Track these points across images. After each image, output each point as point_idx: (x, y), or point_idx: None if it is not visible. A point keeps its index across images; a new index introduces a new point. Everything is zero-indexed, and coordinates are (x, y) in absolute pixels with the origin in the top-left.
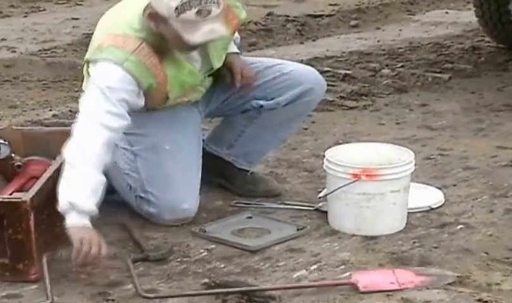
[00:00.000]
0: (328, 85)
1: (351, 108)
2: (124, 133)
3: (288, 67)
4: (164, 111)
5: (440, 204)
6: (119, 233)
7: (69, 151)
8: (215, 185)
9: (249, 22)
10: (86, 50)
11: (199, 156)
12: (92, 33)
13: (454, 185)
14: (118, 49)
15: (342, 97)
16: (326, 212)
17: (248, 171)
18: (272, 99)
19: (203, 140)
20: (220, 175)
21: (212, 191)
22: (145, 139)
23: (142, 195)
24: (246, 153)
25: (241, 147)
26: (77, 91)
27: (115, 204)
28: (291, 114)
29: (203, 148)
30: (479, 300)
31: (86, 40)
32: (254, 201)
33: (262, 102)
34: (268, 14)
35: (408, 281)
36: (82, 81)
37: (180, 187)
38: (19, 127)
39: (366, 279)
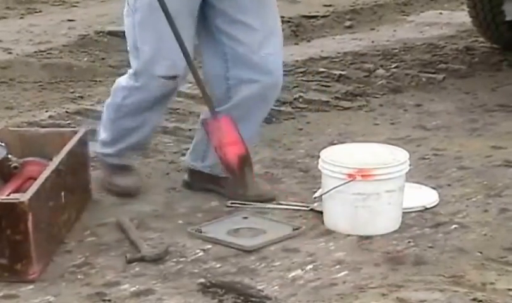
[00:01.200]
0: (322, 86)
1: (346, 108)
2: None
3: (270, 48)
4: None
5: (434, 204)
6: (116, 233)
7: None
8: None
9: None
10: (82, 52)
11: (194, 22)
12: (88, 35)
13: (449, 185)
14: None
15: (337, 98)
16: (321, 212)
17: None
18: (232, 66)
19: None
20: (209, 182)
21: (207, 192)
22: None
23: (133, 51)
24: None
25: (212, 156)
26: (73, 92)
27: (111, 204)
28: (244, 112)
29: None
30: (474, 299)
31: (82, 41)
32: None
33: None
34: None
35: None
36: (78, 82)
37: (172, 44)
38: (15, 128)
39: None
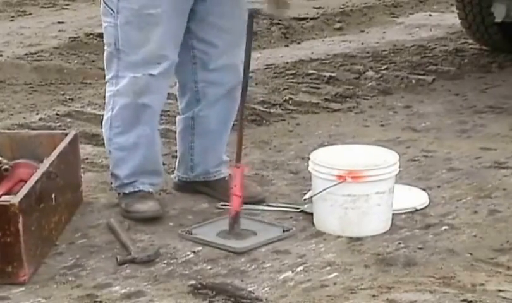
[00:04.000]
0: (312, 87)
1: (336, 110)
2: None
3: (238, 49)
4: None
5: (424, 206)
6: (106, 235)
7: None
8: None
9: None
10: (73, 54)
11: (183, 23)
12: (78, 37)
13: (439, 186)
14: None
15: (326, 99)
16: (311, 214)
17: (224, 177)
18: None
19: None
20: (201, 185)
21: (197, 194)
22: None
23: (114, 52)
24: (207, 166)
25: (200, 164)
26: (63, 95)
27: (102, 206)
28: (214, 113)
29: (176, 183)
30: (464, 300)
31: (72, 43)
32: None
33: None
34: None
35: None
36: (68, 84)
37: (157, 47)
38: (6, 131)
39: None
